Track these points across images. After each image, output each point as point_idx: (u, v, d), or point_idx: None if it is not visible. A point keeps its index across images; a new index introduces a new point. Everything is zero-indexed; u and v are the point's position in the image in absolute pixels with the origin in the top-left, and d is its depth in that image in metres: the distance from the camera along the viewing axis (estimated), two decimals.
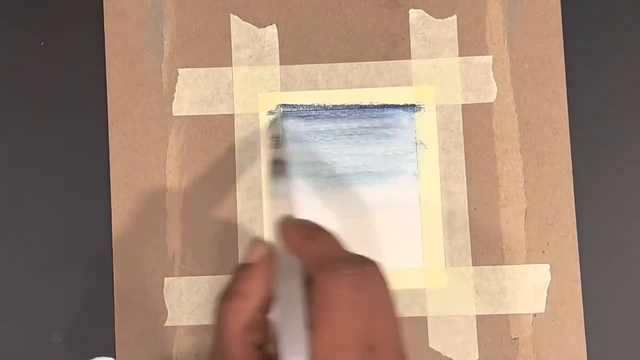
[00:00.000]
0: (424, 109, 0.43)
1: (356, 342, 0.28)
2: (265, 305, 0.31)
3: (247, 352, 0.30)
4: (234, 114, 0.43)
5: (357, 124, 0.43)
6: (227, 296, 0.31)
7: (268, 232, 0.42)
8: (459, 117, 0.43)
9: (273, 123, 0.43)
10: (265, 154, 0.41)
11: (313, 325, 0.28)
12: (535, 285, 0.42)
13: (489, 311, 0.42)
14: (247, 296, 0.31)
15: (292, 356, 0.28)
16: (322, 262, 0.30)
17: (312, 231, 0.32)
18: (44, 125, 0.44)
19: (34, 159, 0.44)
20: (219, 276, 0.42)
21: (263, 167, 0.43)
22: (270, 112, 0.44)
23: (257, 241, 0.33)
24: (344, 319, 0.28)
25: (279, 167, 0.38)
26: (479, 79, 0.43)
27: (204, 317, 0.42)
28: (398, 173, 0.43)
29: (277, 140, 0.41)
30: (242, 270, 0.32)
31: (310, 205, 0.43)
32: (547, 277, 0.42)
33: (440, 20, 0.44)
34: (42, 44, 0.44)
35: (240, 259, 0.42)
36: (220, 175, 0.43)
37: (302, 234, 0.32)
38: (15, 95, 0.44)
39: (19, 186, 0.43)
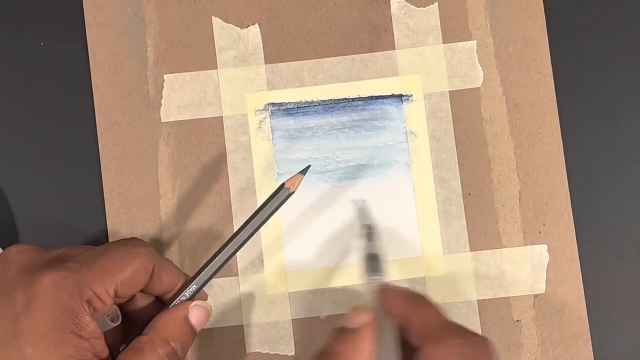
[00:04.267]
0: (411, 98, 0.43)
1: None
2: None
3: None
4: (222, 116, 0.43)
5: (346, 118, 0.43)
6: (326, 358, 0.31)
7: (265, 234, 0.42)
8: (447, 104, 0.43)
9: (362, 212, 0.41)
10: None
11: None
12: (534, 266, 0.42)
13: (489, 295, 0.42)
14: None
15: None
16: (429, 331, 0.30)
17: (417, 299, 0.32)
18: (34, 138, 0.44)
19: (30, 163, 0.44)
20: (218, 279, 0.42)
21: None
22: (259, 111, 0.43)
23: (360, 307, 0.33)
24: None
25: (374, 264, 0.36)
26: (464, 65, 0.44)
27: None
28: (390, 164, 0.43)
29: (370, 232, 0.38)
30: (343, 335, 0.32)
31: (306, 202, 0.43)
32: (546, 258, 0.42)
33: (421, 9, 0.44)
34: (42, 43, 0.44)
35: (239, 261, 0.42)
36: (213, 178, 0.43)
37: (407, 302, 0.31)
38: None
39: (14, 197, 0.43)
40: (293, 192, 0.37)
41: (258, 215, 0.37)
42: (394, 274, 0.42)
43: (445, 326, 0.31)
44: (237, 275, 0.42)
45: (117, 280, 0.34)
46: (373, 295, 0.34)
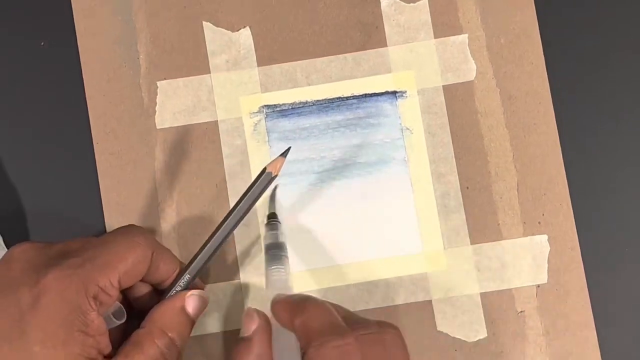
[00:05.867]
0: (405, 94, 0.43)
1: None
2: None
3: None
4: (217, 120, 0.43)
5: (341, 117, 0.43)
6: None
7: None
8: (441, 99, 0.43)
9: (270, 198, 0.42)
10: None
11: None
12: (535, 257, 0.42)
13: (492, 288, 0.42)
14: None
15: None
16: (312, 334, 0.30)
17: (298, 305, 0.32)
18: (28, 150, 0.44)
19: (26, 175, 0.44)
20: (220, 283, 0.42)
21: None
22: (253, 113, 0.43)
23: (250, 311, 0.34)
24: None
25: (275, 253, 0.38)
26: (456, 59, 0.44)
27: (209, 325, 0.42)
28: (387, 161, 0.43)
29: (274, 221, 0.40)
30: (240, 344, 0.33)
31: (305, 203, 0.43)
32: (546, 247, 0.42)
33: (411, 4, 0.44)
34: (43, 43, 0.44)
35: (239, 265, 0.42)
36: (210, 182, 0.43)
37: (289, 310, 0.32)
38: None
39: (9, 210, 0.43)
40: (276, 176, 0.37)
41: (243, 201, 0.37)
42: (396, 272, 0.42)
43: (326, 328, 0.30)
44: (240, 279, 0.42)
45: (120, 271, 0.34)
46: (272, 288, 0.35)
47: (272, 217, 0.40)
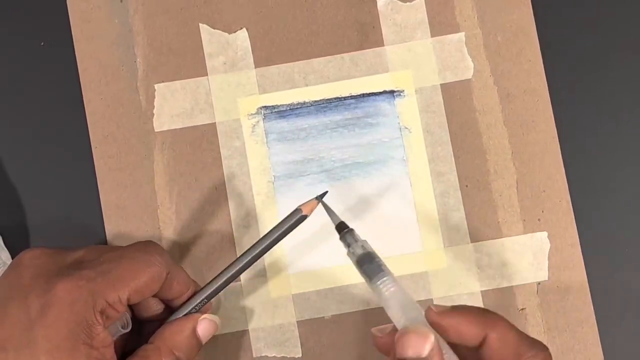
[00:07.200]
0: (403, 94, 0.43)
1: None
2: None
3: None
4: (215, 122, 0.43)
5: (339, 117, 0.43)
6: None
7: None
8: (439, 98, 0.43)
9: (328, 210, 0.37)
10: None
11: None
12: (536, 254, 0.42)
13: (493, 285, 0.42)
14: None
15: None
16: (510, 348, 0.30)
17: (492, 318, 0.31)
18: (27, 153, 0.44)
19: (25, 178, 0.43)
20: None
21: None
22: (251, 115, 0.43)
23: (422, 328, 0.31)
24: None
25: (376, 263, 0.34)
26: (454, 57, 0.44)
27: None
28: (386, 160, 0.43)
29: (345, 233, 0.35)
30: None
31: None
32: (546, 244, 0.42)
33: (408, 3, 0.44)
34: (42, 44, 0.44)
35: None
36: (209, 185, 0.43)
37: (482, 322, 0.31)
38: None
39: (9, 214, 0.43)
40: (307, 216, 0.38)
41: (273, 237, 0.38)
42: (396, 271, 0.42)
43: (523, 340, 0.31)
44: (240, 280, 0.42)
45: (130, 289, 0.34)
46: (415, 309, 0.32)
47: (344, 227, 0.35)
